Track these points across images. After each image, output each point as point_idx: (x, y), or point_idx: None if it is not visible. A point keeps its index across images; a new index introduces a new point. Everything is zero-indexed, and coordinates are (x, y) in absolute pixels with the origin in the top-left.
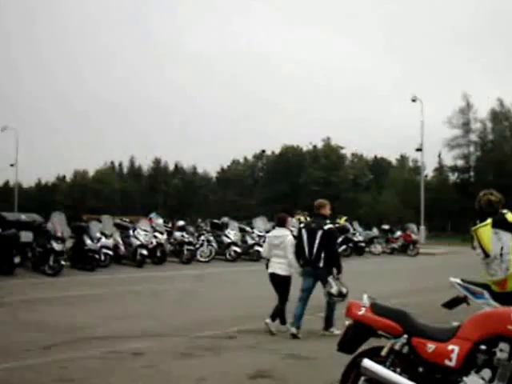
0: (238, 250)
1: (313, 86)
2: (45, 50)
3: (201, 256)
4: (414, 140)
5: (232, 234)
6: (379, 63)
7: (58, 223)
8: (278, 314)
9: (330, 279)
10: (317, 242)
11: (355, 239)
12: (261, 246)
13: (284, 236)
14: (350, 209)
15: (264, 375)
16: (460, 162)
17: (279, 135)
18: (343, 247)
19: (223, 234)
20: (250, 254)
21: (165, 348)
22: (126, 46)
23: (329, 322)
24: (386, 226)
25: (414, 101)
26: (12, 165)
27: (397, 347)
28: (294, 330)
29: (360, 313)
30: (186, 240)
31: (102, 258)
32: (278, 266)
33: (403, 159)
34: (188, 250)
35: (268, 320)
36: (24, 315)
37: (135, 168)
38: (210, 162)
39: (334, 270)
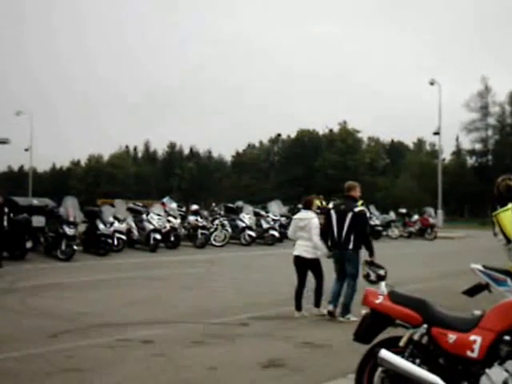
0: (252, 234)
1: (328, 70)
2: (59, 36)
3: (215, 240)
4: (431, 123)
5: (247, 218)
6: (396, 46)
7: (70, 208)
8: (319, 296)
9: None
10: (346, 224)
11: (372, 223)
12: (276, 230)
13: (309, 218)
14: (366, 192)
15: (277, 364)
16: (478, 146)
17: (295, 119)
18: None
19: (238, 218)
20: (264, 238)
21: (176, 335)
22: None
23: (346, 309)
24: (403, 210)
25: (432, 84)
26: (26, 149)
27: (416, 337)
28: (330, 307)
29: (377, 301)
30: (200, 224)
31: (115, 242)
32: (304, 249)
33: (420, 143)
34: (202, 234)
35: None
36: (33, 301)
37: (150, 152)
38: (225, 147)
39: (364, 254)
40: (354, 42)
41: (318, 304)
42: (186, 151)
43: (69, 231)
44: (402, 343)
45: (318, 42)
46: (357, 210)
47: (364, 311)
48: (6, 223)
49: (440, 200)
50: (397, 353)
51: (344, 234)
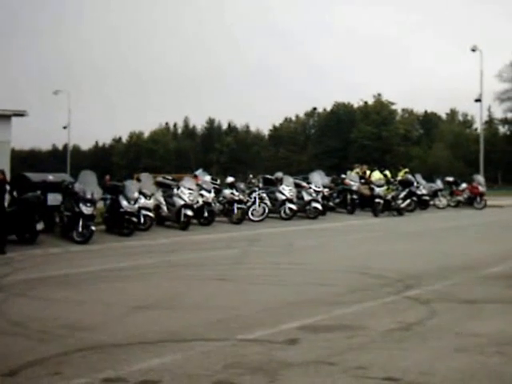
0: (293, 207)
1: (363, 42)
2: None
3: (252, 215)
4: (463, 94)
5: (287, 189)
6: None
7: (87, 183)
8: None
9: None
10: None
11: (419, 192)
12: (318, 202)
13: None
14: (400, 162)
15: None
16: (510, 115)
17: (330, 93)
18: (407, 201)
19: (277, 190)
20: (306, 212)
21: (191, 366)
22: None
23: None
24: (450, 178)
25: (473, 50)
26: (65, 127)
27: None
28: None
29: None
30: (236, 198)
31: (142, 220)
32: None
33: (453, 113)
34: (238, 208)
35: None
36: (12, 306)
37: (189, 128)
38: (262, 121)
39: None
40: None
41: None
42: (225, 126)
43: (86, 210)
44: None
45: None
46: None
47: None
48: (6, 203)
49: (482, 167)
50: None
51: None
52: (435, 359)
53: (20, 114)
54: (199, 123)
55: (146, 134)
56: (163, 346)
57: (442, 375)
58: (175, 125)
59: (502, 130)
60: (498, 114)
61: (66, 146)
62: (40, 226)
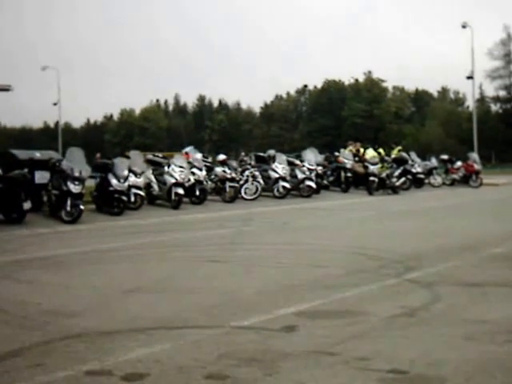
0: (286, 185)
1: (353, 18)
2: None
3: (245, 193)
4: (455, 71)
5: (280, 167)
6: None
7: (74, 161)
8: None
9: None
10: None
11: (414, 171)
12: (312, 180)
13: None
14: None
15: None
16: (502, 93)
17: (320, 70)
18: (402, 180)
19: (270, 168)
20: (300, 190)
21: (182, 357)
22: None
23: None
24: (445, 156)
25: (464, 27)
26: (55, 104)
27: None
28: None
29: None
30: (229, 176)
31: (132, 199)
32: None
33: (444, 91)
34: (231, 187)
35: None
36: (0, 289)
37: (180, 105)
38: (253, 99)
39: None
40: None
41: None
42: (216, 104)
43: (74, 188)
44: None
45: None
46: None
47: None
48: None
49: (476, 145)
50: None
51: None
52: (443, 349)
53: (5, 89)
54: (190, 100)
55: (137, 111)
56: (152, 334)
57: (452, 367)
58: (166, 102)
59: (494, 108)
60: (490, 91)
61: (57, 124)
62: (27, 205)
